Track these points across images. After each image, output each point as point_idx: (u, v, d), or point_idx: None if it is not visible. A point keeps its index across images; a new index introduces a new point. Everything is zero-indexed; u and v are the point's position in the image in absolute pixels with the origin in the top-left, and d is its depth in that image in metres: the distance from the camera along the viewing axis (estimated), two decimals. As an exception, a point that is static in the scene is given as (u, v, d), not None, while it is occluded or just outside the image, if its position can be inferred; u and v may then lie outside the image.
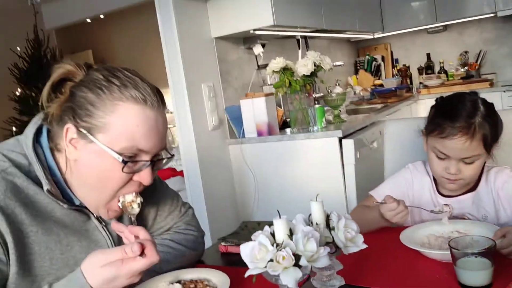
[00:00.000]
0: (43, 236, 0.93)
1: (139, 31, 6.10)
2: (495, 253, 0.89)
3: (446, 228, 1.17)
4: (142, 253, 0.83)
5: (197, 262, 1.24)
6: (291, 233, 0.83)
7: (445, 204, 1.23)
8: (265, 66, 2.71)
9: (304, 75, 2.49)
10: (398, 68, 4.78)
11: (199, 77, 2.53)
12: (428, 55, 4.68)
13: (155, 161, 0.97)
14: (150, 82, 0.97)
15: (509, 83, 3.90)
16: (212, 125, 2.59)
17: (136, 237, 0.88)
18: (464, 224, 1.19)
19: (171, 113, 2.57)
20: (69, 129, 0.93)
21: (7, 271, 0.88)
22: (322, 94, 3.31)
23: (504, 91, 3.83)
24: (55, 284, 0.87)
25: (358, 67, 4.95)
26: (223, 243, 1.34)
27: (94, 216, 1.03)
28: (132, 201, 0.98)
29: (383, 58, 4.94)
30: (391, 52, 4.96)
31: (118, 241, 1.05)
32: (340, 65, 3.71)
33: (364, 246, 0.89)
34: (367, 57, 4.93)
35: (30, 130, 1.00)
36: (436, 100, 1.34)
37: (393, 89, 4.05)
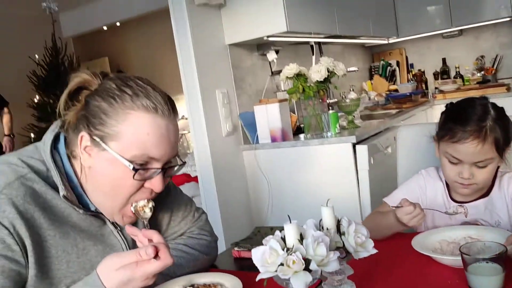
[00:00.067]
0: (61, 240, 0.95)
1: (154, 38, 6.19)
2: (506, 258, 0.89)
3: (459, 234, 1.17)
4: (156, 256, 0.85)
5: (211, 267, 1.25)
6: (301, 238, 0.84)
7: (459, 205, 1.23)
8: (278, 72, 2.73)
9: (317, 81, 2.50)
10: (413, 73, 4.75)
11: (213, 84, 2.56)
12: (444, 60, 4.65)
13: (166, 168, 0.99)
14: (162, 90, 0.99)
15: (526, 88, 3.86)
16: (226, 131, 2.61)
17: (150, 240, 0.90)
18: (477, 230, 1.18)
19: (186, 119, 2.59)
20: (83, 137, 0.96)
21: (26, 273, 0.91)
22: (336, 99, 3.32)
23: (521, 96, 3.78)
24: (72, 286, 0.90)
25: (373, 73, 4.94)
26: (236, 248, 1.36)
27: (109, 221, 1.05)
28: (144, 206, 1.00)
29: (398, 63, 4.91)
30: (406, 57, 4.93)
31: (133, 245, 1.07)
32: (354, 70, 3.70)
33: (374, 251, 0.90)
34: (381, 62, 4.91)
35: (48, 137, 1.02)
36: (446, 105, 1.34)
37: (408, 94, 4.01)
